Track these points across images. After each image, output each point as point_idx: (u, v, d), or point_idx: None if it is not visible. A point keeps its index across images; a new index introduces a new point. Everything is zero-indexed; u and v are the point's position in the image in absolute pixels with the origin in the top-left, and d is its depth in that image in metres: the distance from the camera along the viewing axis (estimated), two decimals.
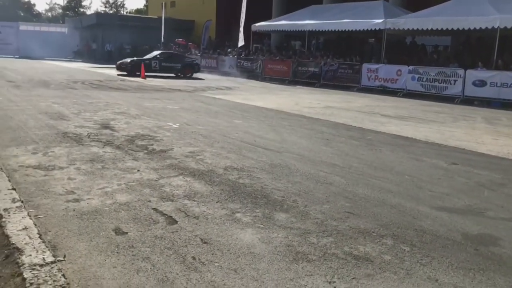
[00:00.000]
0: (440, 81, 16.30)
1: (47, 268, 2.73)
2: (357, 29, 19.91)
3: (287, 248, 3.32)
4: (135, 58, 22.60)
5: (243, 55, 26.62)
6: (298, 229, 3.70)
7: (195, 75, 23.03)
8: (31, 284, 2.54)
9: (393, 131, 9.04)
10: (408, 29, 18.57)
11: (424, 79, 16.83)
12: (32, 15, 58.52)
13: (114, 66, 22.95)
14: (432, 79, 16.55)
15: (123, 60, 22.54)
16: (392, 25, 18.53)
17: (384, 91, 18.02)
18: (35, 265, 2.75)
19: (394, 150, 7.29)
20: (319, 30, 22.34)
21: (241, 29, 24.59)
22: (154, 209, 4.03)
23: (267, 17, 27.01)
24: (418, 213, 4.25)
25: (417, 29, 18.18)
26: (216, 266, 2.99)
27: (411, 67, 17.38)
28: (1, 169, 4.72)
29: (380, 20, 18.86)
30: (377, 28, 19.05)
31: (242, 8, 24.68)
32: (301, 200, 4.45)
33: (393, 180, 5.41)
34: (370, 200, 4.58)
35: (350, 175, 5.54)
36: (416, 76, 17.12)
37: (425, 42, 21.00)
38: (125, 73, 21.40)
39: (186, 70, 22.77)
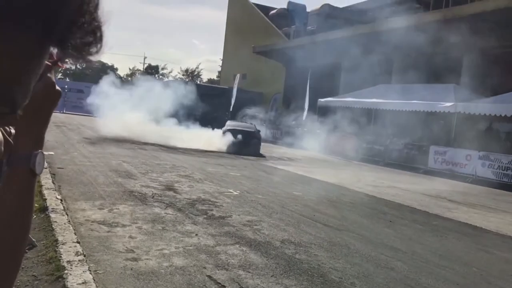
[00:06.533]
0: None
1: None
2: (425, 111, 19.67)
3: None
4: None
5: (306, 128, 26.94)
6: None
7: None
8: None
9: (461, 218, 8.58)
10: (480, 114, 18.08)
11: (496, 166, 16.10)
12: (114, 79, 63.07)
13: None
14: (505, 167, 15.79)
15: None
16: (463, 108, 18.16)
17: (452, 175, 17.37)
18: None
19: (461, 239, 6.89)
20: (386, 109, 22.30)
21: (306, 103, 25.13)
22: (209, 276, 4.00)
23: (335, 93, 27.47)
24: None
25: (489, 114, 17.66)
26: None
27: (481, 153, 16.73)
28: (69, 221, 4.94)
29: (450, 104, 18.56)
30: (447, 111, 18.72)
31: (307, 84, 25.49)
32: (359, 284, 4.26)
33: (459, 272, 5.08)
34: None
35: (413, 261, 5.27)
36: (487, 162, 16.42)
37: (501, 128, 20.26)
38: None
39: None
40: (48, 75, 0.78)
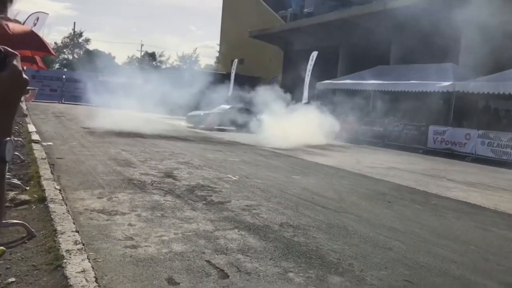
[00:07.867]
0: None
1: None
2: (424, 91, 19.61)
3: None
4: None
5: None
6: None
7: None
8: None
9: (460, 197, 8.62)
10: (479, 92, 18.03)
11: (495, 145, 16.09)
12: (112, 67, 62.73)
13: (184, 117, 23.82)
14: (504, 145, 15.79)
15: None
16: (461, 88, 18.11)
17: (451, 154, 17.38)
18: None
19: (459, 218, 6.93)
20: (384, 90, 22.25)
21: (306, 86, 24.99)
22: (208, 261, 4.04)
23: (333, 76, 27.33)
24: None
25: (488, 93, 17.61)
26: None
27: (480, 131, 16.72)
28: (68, 211, 4.97)
29: (449, 83, 18.50)
30: (445, 91, 18.68)
31: (308, 67, 25.23)
32: (357, 264, 4.30)
33: (457, 250, 5.11)
34: (431, 269, 4.34)
35: (411, 241, 5.31)
36: (486, 141, 16.41)
37: (500, 106, 20.20)
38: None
39: None
40: (14, 63, 0.78)
